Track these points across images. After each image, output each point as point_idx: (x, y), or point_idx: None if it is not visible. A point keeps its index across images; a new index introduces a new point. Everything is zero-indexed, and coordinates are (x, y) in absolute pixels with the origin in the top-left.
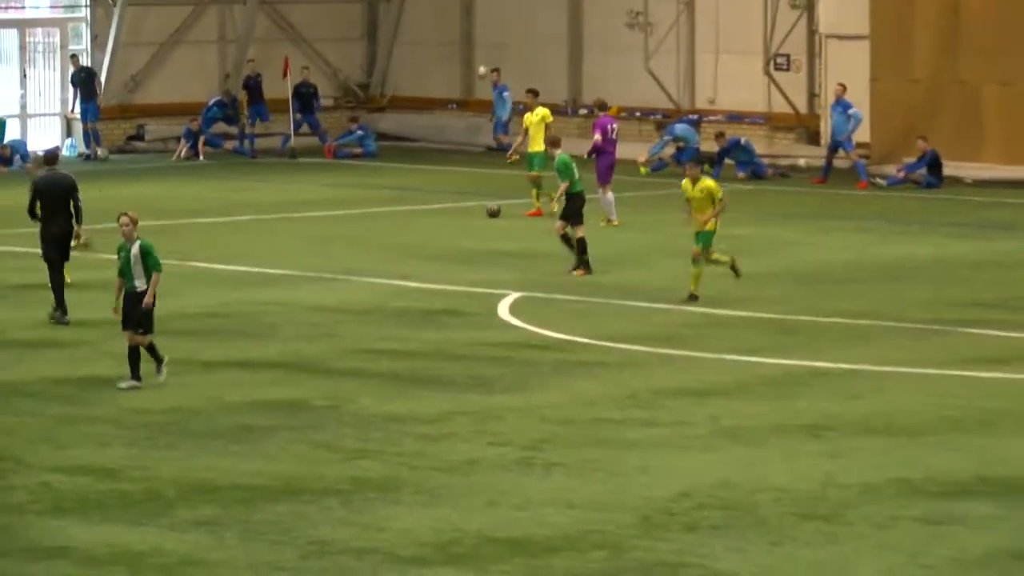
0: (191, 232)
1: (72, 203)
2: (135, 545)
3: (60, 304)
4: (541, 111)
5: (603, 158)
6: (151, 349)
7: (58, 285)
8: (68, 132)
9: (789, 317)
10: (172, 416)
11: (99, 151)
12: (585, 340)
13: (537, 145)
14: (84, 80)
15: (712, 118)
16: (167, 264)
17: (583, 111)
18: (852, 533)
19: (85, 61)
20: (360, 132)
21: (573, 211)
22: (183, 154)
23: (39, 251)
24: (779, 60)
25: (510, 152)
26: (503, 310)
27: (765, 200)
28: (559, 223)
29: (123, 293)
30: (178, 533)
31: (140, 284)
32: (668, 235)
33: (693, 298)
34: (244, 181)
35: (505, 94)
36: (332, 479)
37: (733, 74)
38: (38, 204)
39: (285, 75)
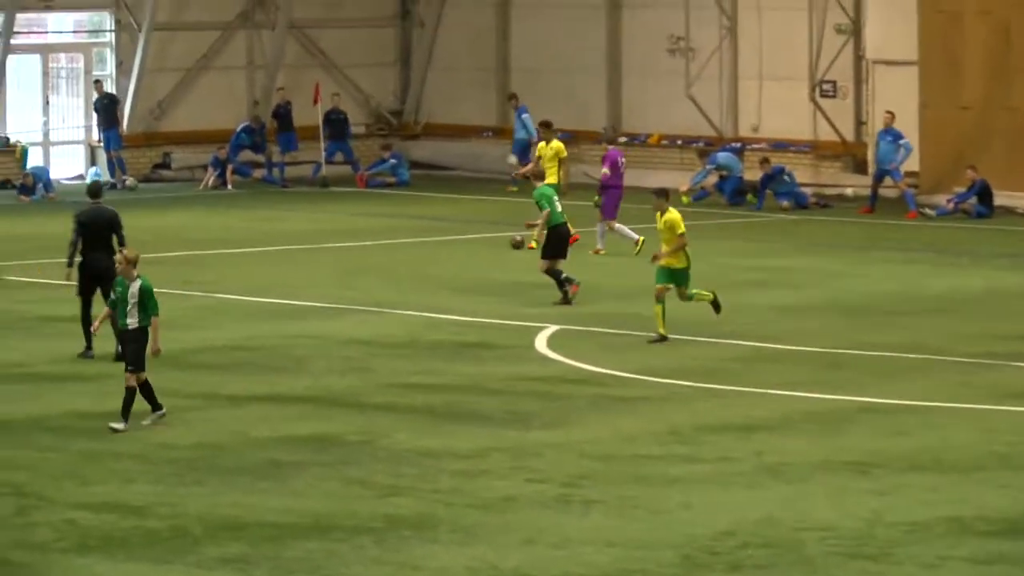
0: (218, 263)
1: (116, 238)
2: None
3: (89, 342)
4: (556, 145)
5: (611, 192)
6: (148, 394)
7: (88, 321)
8: (92, 160)
9: (835, 351)
10: (199, 452)
11: (127, 180)
12: (625, 374)
13: (552, 179)
14: (106, 107)
15: (756, 146)
16: (193, 295)
17: (622, 139)
18: (900, 573)
19: (110, 87)
20: (393, 160)
21: (554, 244)
22: (210, 183)
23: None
24: (825, 86)
25: (518, 172)
26: (540, 343)
27: (810, 230)
28: (542, 262)
29: (115, 327)
30: (205, 571)
31: (132, 322)
32: (711, 266)
33: (661, 339)
34: (273, 211)
35: (524, 115)
36: (365, 516)
37: (777, 101)
38: (79, 238)
39: (316, 102)
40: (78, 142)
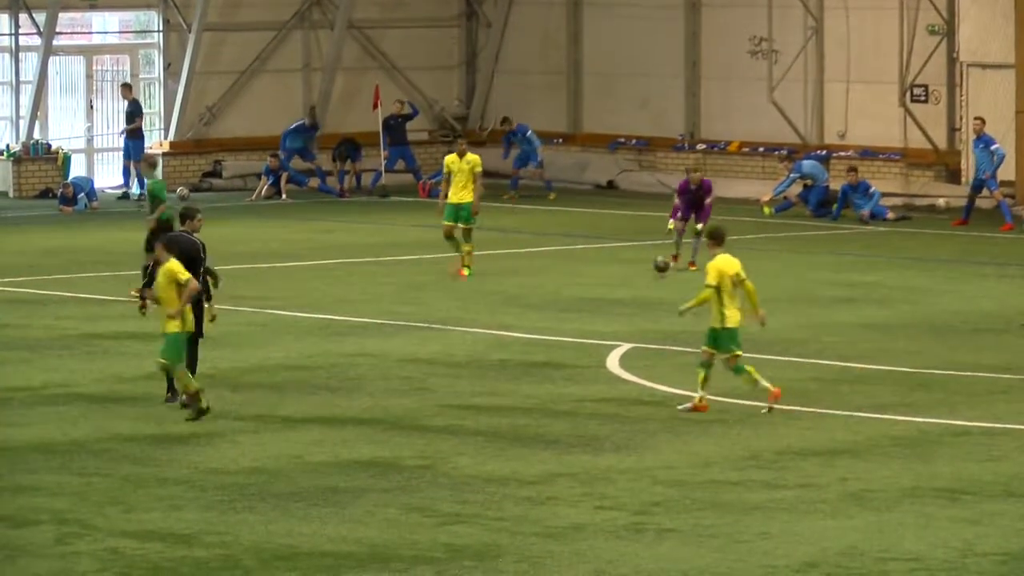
0: (273, 277)
1: (201, 272)
2: None
3: (170, 387)
4: (472, 158)
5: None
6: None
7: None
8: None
9: (925, 371)
10: (251, 477)
11: (180, 190)
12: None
13: (467, 195)
14: (131, 114)
15: (842, 154)
16: (244, 311)
17: (701, 146)
18: None
19: (158, 91)
20: None
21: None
22: (264, 192)
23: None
24: (916, 91)
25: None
26: (612, 363)
27: (900, 243)
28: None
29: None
30: None
31: None
32: (796, 280)
33: (695, 410)
34: (331, 222)
35: (529, 133)
36: (425, 546)
37: (866, 106)
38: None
39: (376, 106)
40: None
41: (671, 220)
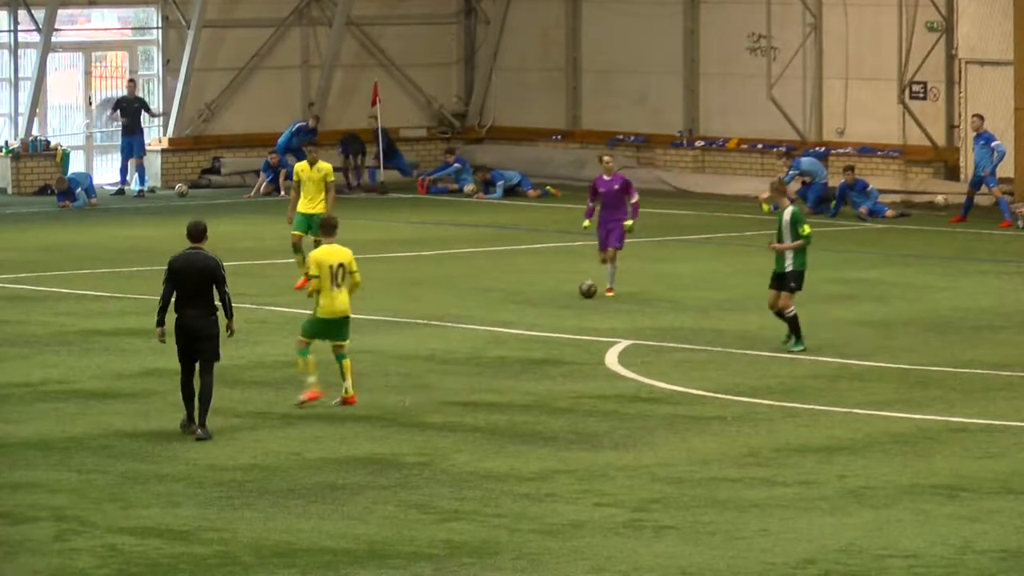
0: (272, 274)
1: (217, 291)
2: None
3: (190, 414)
4: (323, 166)
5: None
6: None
7: (189, 391)
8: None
9: (923, 368)
10: (249, 474)
11: (178, 186)
12: (701, 392)
13: (318, 206)
14: (136, 111)
15: (841, 151)
16: (243, 308)
17: (699, 143)
18: None
19: (157, 88)
20: (457, 165)
21: None
22: (262, 189)
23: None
24: (915, 87)
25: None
26: (611, 359)
27: (899, 240)
28: None
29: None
30: None
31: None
32: None
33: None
34: None
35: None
36: (424, 542)
37: (864, 103)
38: (172, 291)
39: (374, 103)
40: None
41: (587, 219)
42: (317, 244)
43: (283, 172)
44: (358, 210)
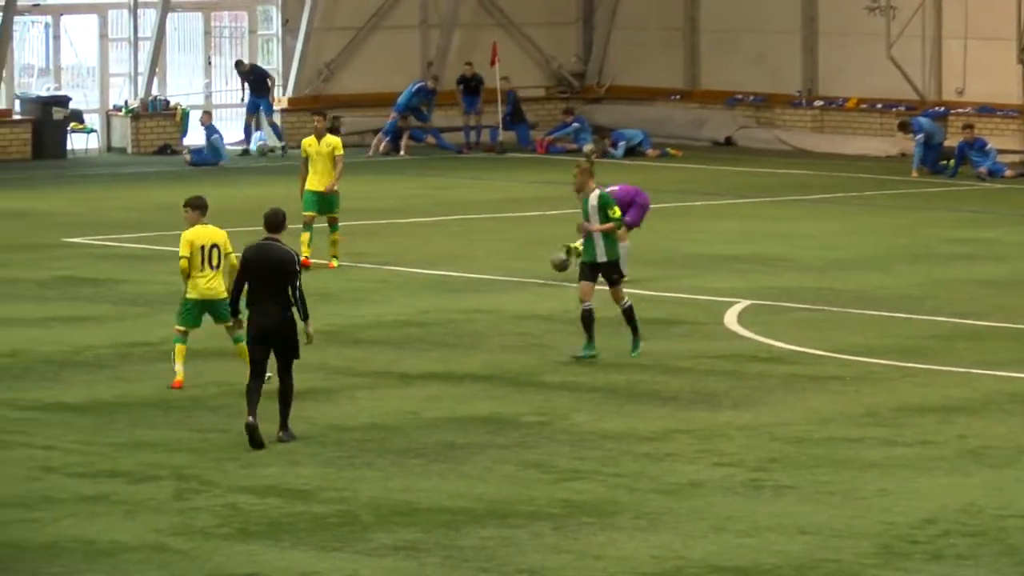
0: (390, 233)
1: (289, 288)
2: (328, 572)
3: (253, 414)
4: (332, 140)
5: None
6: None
7: (255, 395)
8: (256, 124)
9: None
10: (368, 433)
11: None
12: (820, 352)
13: (325, 181)
14: (258, 82)
15: (960, 110)
16: (363, 268)
17: (818, 103)
18: None
19: (275, 48)
20: (576, 125)
21: None
22: (381, 148)
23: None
24: None
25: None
26: (730, 319)
27: (1019, 199)
28: None
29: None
30: (375, 559)
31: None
32: (914, 238)
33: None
34: (448, 178)
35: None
36: (543, 502)
37: (984, 62)
38: (244, 285)
39: (493, 63)
40: (241, 105)
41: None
42: (331, 224)
43: (406, 133)
44: (477, 169)
